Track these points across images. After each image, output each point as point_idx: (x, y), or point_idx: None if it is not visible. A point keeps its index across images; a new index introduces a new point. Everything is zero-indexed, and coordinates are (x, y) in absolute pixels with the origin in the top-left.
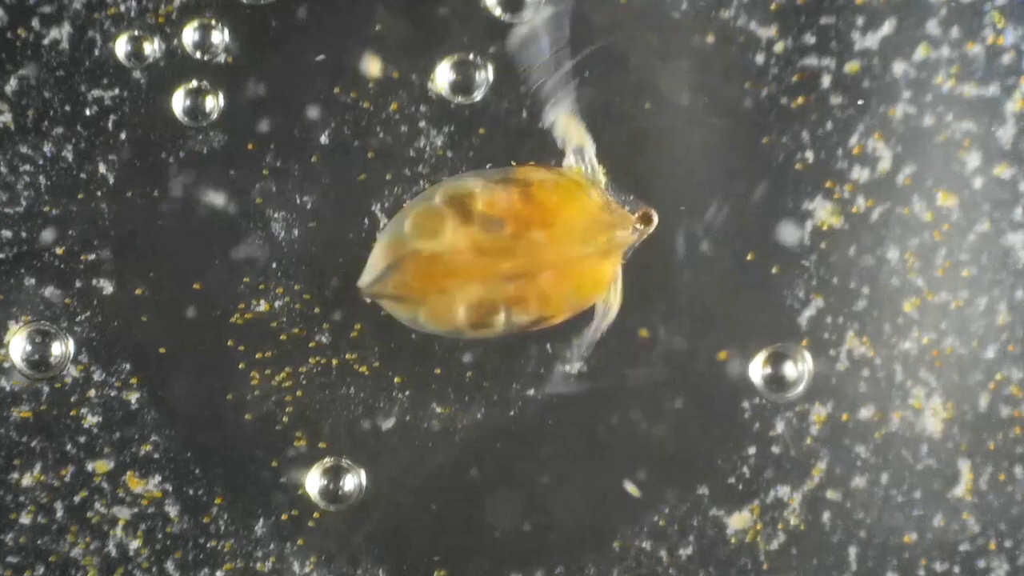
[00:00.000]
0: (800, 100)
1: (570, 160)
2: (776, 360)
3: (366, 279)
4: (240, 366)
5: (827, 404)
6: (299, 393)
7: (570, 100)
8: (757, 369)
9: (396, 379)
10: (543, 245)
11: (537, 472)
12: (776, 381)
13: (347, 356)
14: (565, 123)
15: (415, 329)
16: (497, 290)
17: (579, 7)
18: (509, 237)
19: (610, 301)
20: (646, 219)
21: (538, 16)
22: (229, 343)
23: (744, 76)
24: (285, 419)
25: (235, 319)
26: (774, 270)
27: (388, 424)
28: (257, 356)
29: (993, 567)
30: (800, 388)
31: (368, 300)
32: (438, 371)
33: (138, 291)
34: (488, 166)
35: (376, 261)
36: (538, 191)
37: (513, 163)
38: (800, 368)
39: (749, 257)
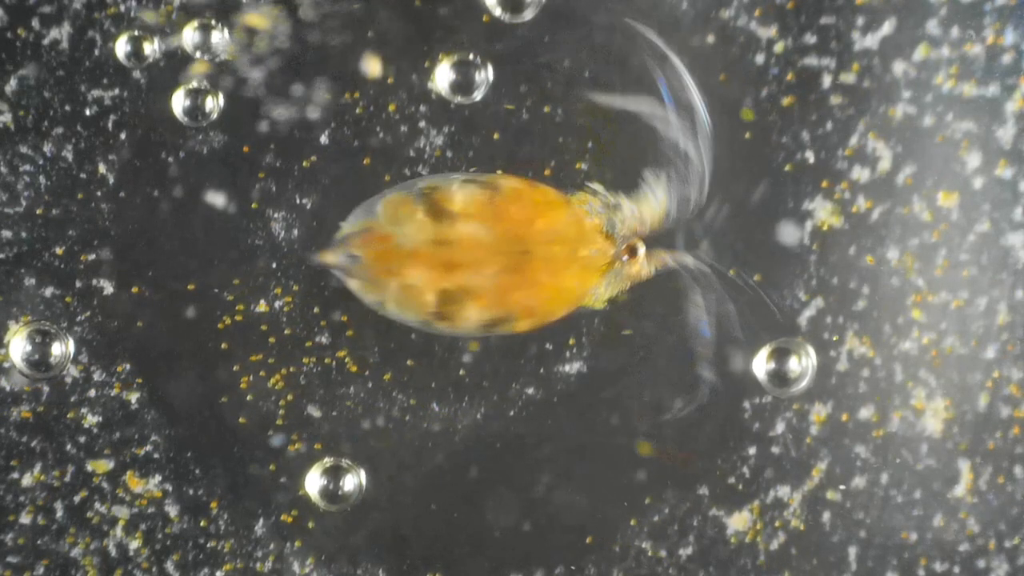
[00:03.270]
0: (799, 100)
1: (607, 196)
2: (780, 356)
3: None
4: (238, 366)
5: (827, 404)
6: (297, 393)
7: (679, 200)
8: (761, 365)
9: (395, 379)
10: (500, 248)
11: (537, 472)
12: (779, 377)
13: (346, 356)
14: (654, 205)
15: (383, 315)
16: (445, 280)
17: (582, 10)
18: (468, 236)
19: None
20: (631, 250)
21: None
22: (228, 343)
23: (744, 76)
24: (282, 420)
25: (234, 319)
26: (774, 270)
27: (388, 424)
28: (257, 356)
29: (993, 567)
30: (804, 383)
31: (322, 267)
32: (438, 371)
33: (138, 291)
34: (472, 169)
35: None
36: (511, 199)
37: (499, 171)
38: (804, 363)
39: (731, 273)
